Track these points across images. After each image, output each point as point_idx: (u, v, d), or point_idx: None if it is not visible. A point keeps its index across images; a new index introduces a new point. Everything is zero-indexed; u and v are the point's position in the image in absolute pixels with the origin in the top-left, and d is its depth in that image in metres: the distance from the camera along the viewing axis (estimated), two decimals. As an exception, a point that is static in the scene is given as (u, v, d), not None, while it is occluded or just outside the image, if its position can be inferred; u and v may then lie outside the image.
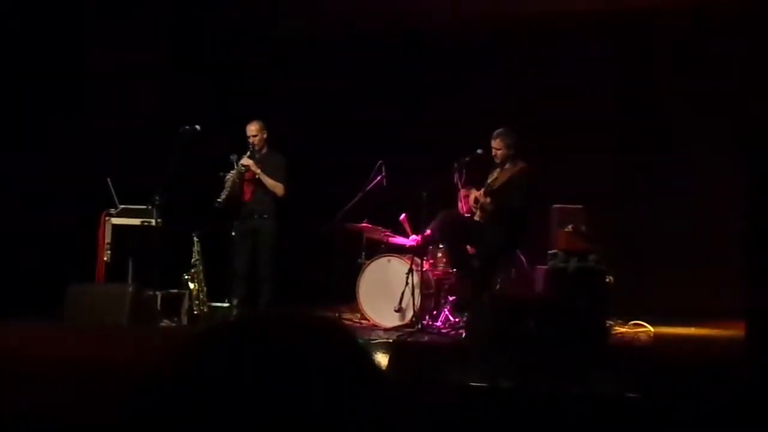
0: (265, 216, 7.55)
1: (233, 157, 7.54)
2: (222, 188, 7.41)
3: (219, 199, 7.35)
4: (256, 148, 7.56)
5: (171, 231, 7.31)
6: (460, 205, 7.96)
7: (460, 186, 7.60)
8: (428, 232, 7.69)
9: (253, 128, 7.56)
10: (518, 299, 6.64)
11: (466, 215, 7.50)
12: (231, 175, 7.43)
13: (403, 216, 8.04)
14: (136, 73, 8.53)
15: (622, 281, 7.82)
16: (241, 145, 7.63)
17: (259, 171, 7.46)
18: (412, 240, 8.00)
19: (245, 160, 7.46)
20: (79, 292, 6.76)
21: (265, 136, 7.60)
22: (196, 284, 7.38)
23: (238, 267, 7.55)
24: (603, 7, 9.01)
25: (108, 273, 7.25)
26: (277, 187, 7.51)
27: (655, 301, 8.95)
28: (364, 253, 8.14)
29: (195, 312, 7.31)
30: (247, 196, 7.56)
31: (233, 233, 7.61)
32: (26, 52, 7.85)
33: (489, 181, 7.17)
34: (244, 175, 7.51)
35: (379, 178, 7.85)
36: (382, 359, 4.09)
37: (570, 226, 7.10)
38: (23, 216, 7.75)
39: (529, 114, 8.91)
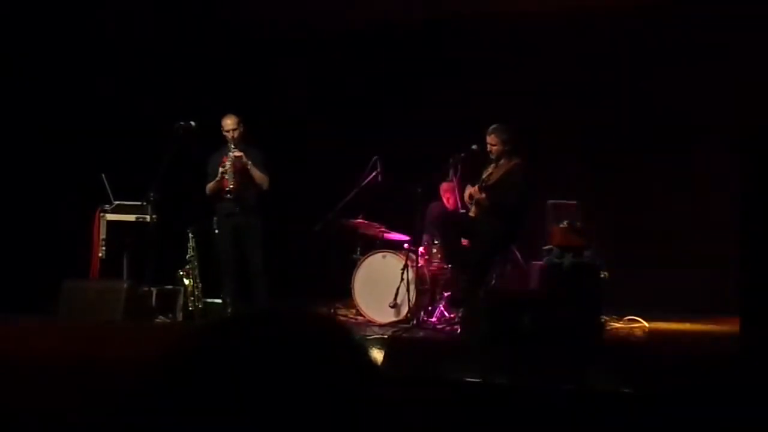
0: (249, 211, 7.41)
1: (221, 152, 7.40)
2: (223, 180, 7.30)
3: (228, 189, 7.26)
4: (235, 142, 7.36)
5: (166, 227, 7.28)
6: (444, 198, 7.96)
7: (454, 181, 7.60)
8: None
9: (230, 122, 7.35)
10: (513, 295, 6.65)
11: (461, 210, 7.50)
12: (229, 166, 7.29)
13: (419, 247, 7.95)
14: (133, 69, 8.53)
15: (617, 277, 7.83)
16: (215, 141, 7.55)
17: (250, 163, 7.35)
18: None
19: (237, 153, 7.33)
20: (73, 288, 6.75)
21: (242, 130, 7.41)
22: (191, 280, 7.36)
23: (226, 264, 7.48)
24: (602, 3, 9.02)
25: (103, 269, 7.23)
26: (264, 180, 7.40)
27: (650, 296, 8.96)
28: (359, 249, 8.14)
29: (190, 308, 7.29)
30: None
31: (216, 230, 7.49)
32: (25, 50, 7.83)
33: (484, 176, 7.16)
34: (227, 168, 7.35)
35: (374, 173, 7.85)
36: (377, 355, 4.09)
37: (565, 222, 7.11)
38: (18, 211, 7.73)
39: (525, 109, 8.90)
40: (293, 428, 0.93)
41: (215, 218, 7.45)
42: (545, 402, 3.12)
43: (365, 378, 1.03)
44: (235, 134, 7.34)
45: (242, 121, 7.41)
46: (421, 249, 7.75)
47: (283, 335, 1.02)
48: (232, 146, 7.32)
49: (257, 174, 7.35)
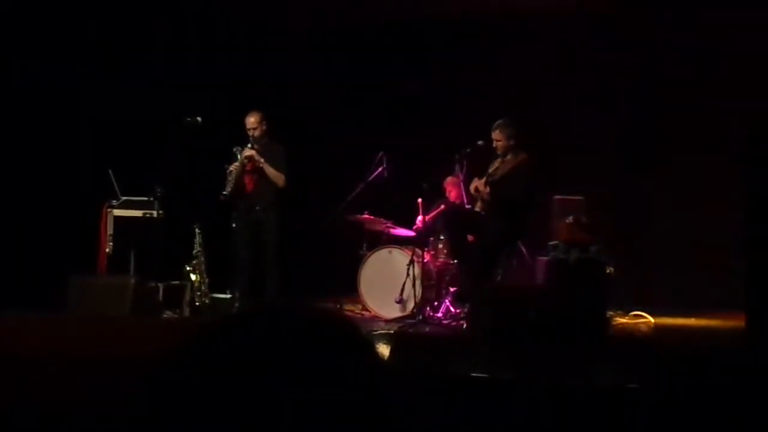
0: (267, 207, 7.48)
1: (236, 149, 7.49)
2: (225, 180, 7.40)
3: (224, 192, 7.33)
4: (255, 140, 7.45)
5: (173, 222, 7.30)
6: (447, 192, 7.95)
7: (460, 176, 7.60)
8: (420, 221, 7.74)
9: (252, 120, 7.45)
10: (519, 290, 6.65)
11: (467, 205, 7.50)
12: (235, 167, 7.40)
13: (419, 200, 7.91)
14: (138, 63, 8.53)
15: (622, 272, 7.84)
16: (241, 137, 7.57)
17: (262, 161, 7.39)
18: (419, 221, 7.93)
19: (247, 152, 7.39)
20: (81, 283, 6.76)
21: (264, 128, 7.50)
22: (198, 275, 7.38)
23: (240, 259, 7.52)
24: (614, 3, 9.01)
25: (110, 264, 7.25)
26: (278, 178, 7.45)
27: (656, 291, 8.96)
28: (365, 245, 8.14)
29: (197, 303, 7.31)
30: (249, 187, 7.50)
31: (234, 225, 7.56)
32: (29, 47, 7.85)
33: (490, 170, 7.16)
34: (246, 166, 7.46)
35: (380, 169, 7.85)
36: (383, 350, 4.10)
37: (571, 217, 7.09)
38: (25, 207, 7.74)
39: (532, 105, 8.90)
40: (299, 424, 0.94)
41: (235, 214, 7.51)
42: (550, 397, 3.13)
43: (371, 373, 1.04)
44: (256, 132, 7.42)
45: (265, 118, 7.47)
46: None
47: (289, 331, 1.03)
48: (249, 145, 7.42)
49: (271, 172, 7.40)
